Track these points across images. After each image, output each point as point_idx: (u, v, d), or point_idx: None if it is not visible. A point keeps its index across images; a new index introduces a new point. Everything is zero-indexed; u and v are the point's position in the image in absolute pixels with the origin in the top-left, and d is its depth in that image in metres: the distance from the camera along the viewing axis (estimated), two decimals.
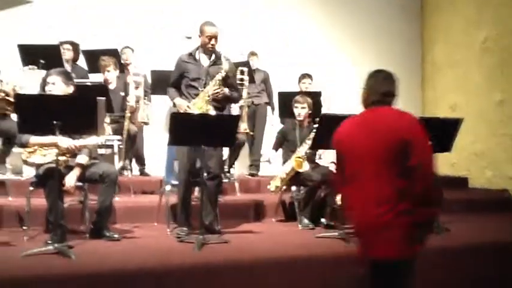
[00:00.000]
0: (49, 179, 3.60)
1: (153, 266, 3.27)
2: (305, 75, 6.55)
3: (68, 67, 5.62)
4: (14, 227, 4.26)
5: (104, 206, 3.88)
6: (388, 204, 2.39)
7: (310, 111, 5.03)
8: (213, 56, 4.25)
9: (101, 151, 4.58)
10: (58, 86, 3.83)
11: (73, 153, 3.77)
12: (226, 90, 4.23)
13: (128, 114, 5.35)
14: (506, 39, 6.90)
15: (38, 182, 3.77)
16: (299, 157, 4.79)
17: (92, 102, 3.56)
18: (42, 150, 3.72)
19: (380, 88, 2.54)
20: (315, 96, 5.53)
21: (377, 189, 2.41)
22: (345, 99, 6.98)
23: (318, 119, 4.54)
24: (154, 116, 6.16)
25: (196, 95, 4.19)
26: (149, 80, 6.11)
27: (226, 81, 4.27)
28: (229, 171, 5.85)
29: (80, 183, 3.92)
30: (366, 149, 2.45)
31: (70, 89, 3.90)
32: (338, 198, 4.48)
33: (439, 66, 8.19)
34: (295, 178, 4.82)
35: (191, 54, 4.28)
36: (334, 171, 3.02)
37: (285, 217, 5.15)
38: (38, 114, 3.42)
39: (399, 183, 2.38)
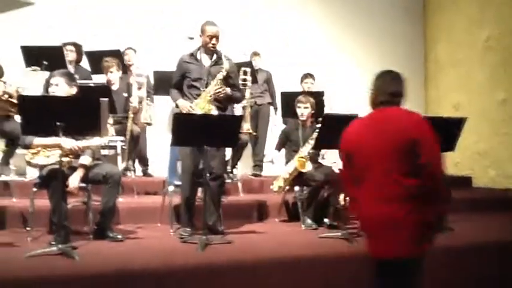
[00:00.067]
0: (52, 180, 3.61)
1: (156, 267, 3.27)
2: (307, 75, 6.55)
3: (71, 68, 5.64)
4: (18, 228, 4.27)
5: (107, 206, 3.89)
6: (397, 203, 2.41)
7: (313, 111, 5.03)
8: (215, 56, 4.25)
9: (104, 152, 4.58)
10: (61, 88, 3.84)
11: (76, 154, 3.78)
12: (228, 89, 4.23)
13: (130, 115, 5.36)
14: (508, 38, 6.89)
15: (42, 183, 3.78)
16: (302, 157, 4.79)
17: (95, 103, 3.56)
18: (45, 151, 3.73)
19: (388, 88, 2.56)
20: (318, 96, 5.52)
21: (386, 188, 2.44)
22: (347, 99, 7.03)
23: (320, 119, 4.54)
24: (157, 116, 6.17)
25: (198, 95, 4.19)
26: (152, 81, 6.12)
27: (228, 81, 4.27)
28: (232, 172, 5.86)
29: (84, 184, 3.92)
30: (375, 148, 2.47)
31: (73, 90, 3.91)
32: (341, 198, 4.50)
33: (441, 65, 8.18)
34: (298, 178, 4.82)
35: (192, 55, 4.27)
36: (340, 170, 3.05)
37: (288, 217, 5.15)
38: (42, 115, 3.42)
39: (408, 182, 2.40)
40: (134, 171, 5.99)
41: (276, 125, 6.63)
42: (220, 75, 4.16)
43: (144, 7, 7.12)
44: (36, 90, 5.23)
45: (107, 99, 4.11)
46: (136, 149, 5.69)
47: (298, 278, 3.47)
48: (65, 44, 5.80)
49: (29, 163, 3.80)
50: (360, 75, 7.93)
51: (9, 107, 4.90)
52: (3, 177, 5.16)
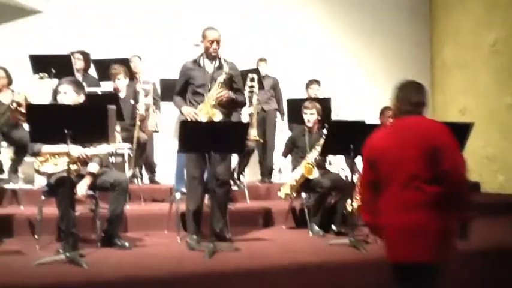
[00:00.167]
0: (60, 188, 3.63)
1: (164, 275, 3.27)
2: (313, 81, 6.55)
3: (79, 76, 5.68)
4: (26, 235, 4.29)
5: (115, 214, 3.90)
6: (420, 210, 2.46)
7: (319, 117, 5.03)
8: (217, 61, 4.24)
9: (111, 159, 4.60)
10: (69, 95, 3.87)
11: (84, 161, 3.80)
12: (230, 93, 4.21)
13: (138, 123, 5.38)
14: None
15: (50, 191, 3.80)
16: (309, 163, 4.78)
17: (102, 111, 3.58)
18: (53, 159, 3.75)
19: (411, 98, 2.62)
20: (324, 102, 5.52)
21: (409, 195, 2.49)
22: (348, 99, 7.07)
23: (327, 125, 4.54)
24: (164, 123, 6.19)
25: (203, 101, 4.19)
26: (158, 89, 6.15)
27: (232, 86, 4.26)
28: (239, 179, 5.86)
29: (91, 192, 3.94)
30: (398, 156, 2.52)
31: (81, 98, 3.94)
32: (348, 203, 4.48)
33: (448, 69, 8.15)
34: (305, 185, 4.81)
35: (195, 61, 4.28)
36: (360, 177, 3.12)
37: (295, 224, 5.14)
38: (50, 123, 3.44)
39: (431, 189, 2.45)
40: (141, 178, 6.01)
41: (282, 130, 6.64)
42: (220, 79, 4.15)
43: (152, 15, 7.17)
44: (44, 98, 5.27)
45: (114, 106, 4.14)
46: (143, 156, 5.71)
47: (306, 285, 3.45)
48: (73, 53, 5.84)
49: (37, 171, 3.82)
50: (362, 75, 7.96)
51: (18, 115, 4.93)
52: (12, 185, 5.19)
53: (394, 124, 2.72)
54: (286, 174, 5.18)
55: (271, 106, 6.66)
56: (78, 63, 5.87)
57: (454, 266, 2.68)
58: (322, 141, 4.60)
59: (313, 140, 4.94)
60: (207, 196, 4.39)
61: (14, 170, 5.30)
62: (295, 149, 5.07)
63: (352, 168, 4.40)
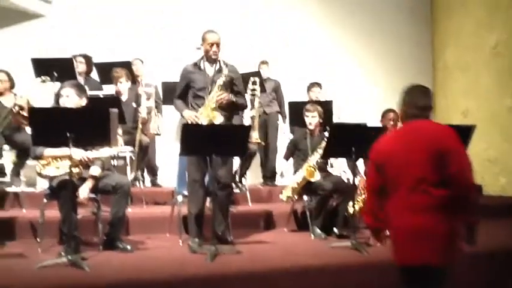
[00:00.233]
0: (62, 191, 3.63)
1: (166, 277, 3.28)
2: (314, 84, 6.56)
3: (81, 80, 5.69)
4: (28, 238, 4.30)
5: (116, 217, 3.90)
6: (428, 213, 2.48)
7: (320, 120, 5.03)
8: (218, 64, 4.24)
9: (113, 162, 4.61)
10: (72, 99, 3.88)
11: (86, 165, 3.81)
12: (230, 95, 4.21)
13: (139, 126, 5.39)
14: None
15: (52, 194, 3.81)
16: (310, 166, 4.78)
17: (104, 114, 3.59)
18: (55, 162, 3.76)
19: (418, 102, 2.65)
20: (326, 105, 5.53)
21: (417, 199, 2.50)
22: (348, 98, 7.07)
23: (328, 128, 4.54)
24: (166, 126, 6.20)
25: (203, 104, 4.20)
26: (160, 91, 6.16)
27: (231, 88, 4.26)
28: (240, 182, 5.86)
29: (93, 195, 3.95)
30: (406, 159, 2.54)
31: (83, 102, 3.95)
32: (350, 206, 4.48)
33: (450, 71, 8.14)
34: (306, 187, 4.81)
35: (196, 64, 4.28)
36: (366, 180, 3.17)
37: (297, 227, 5.14)
38: (52, 126, 3.46)
39: (438, 192, 2.47)
40: (143, 181, 6.01)
41: (284, 133, 6.64)
42: (220, 81, 4.14)
43: (152, 15, 7.20)
44: (46, 101, 5.28)
45: (116, 109, 4.15)
46: (145, 159, 5.72)
47: (308, 287, 3.45)
48: (75, 56, 5.86)
49: (39, 174, 3.83)
50: (363, 76, 7.96)
51: (20, 118, 4.95)
52: (14, 188, 5.20)
53: (401, 128, 2.74)
54: (288, 177, 5.17)
55: (273, 109, 6.66)
56: (80, 67, 5.89)
57: (461, 269, 2.70)
58: (323, 144, 4.60)
59: (314, 142, 4.94)
60: (208, 199, 4.39)
61: (16, 173, 5.31)
62: (296, 152, 5.07)
63: (354, 170, 4.40)
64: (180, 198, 4.49)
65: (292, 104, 6.07)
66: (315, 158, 4.82)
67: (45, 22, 6.95)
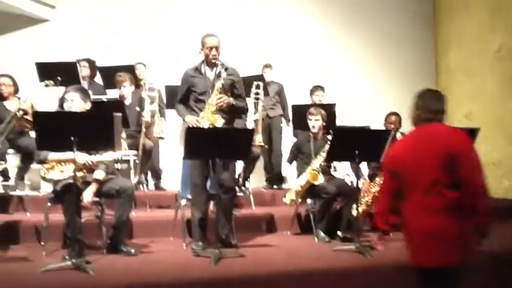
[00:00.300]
0: (67, 195, 3.64)
1: (170, 281, 3.28)
2: (317, 87, 6.56)
3: (85, 84, 5.72)
4: (32, 242, 4.31)
5: (120, 220, 3.91)
6: (442, 215, 2.53)
7: (324, 123, 5.03)
8: (218, 68, 4.24)
9: (117, 166, 4.62)
10: (76, 103, 3.90)
11: (90, 168, 3.82)
12: (230, 99, 4.20)
13: (143, 129, 5.41)
14: None
15: (56, 198, 3.82)
16: (314, 169, 4.78)
17: (108, 118, 3.60)
18: (60, 166, 3.77)
19: (431, 106, 2.69)
20: (329, 108, 5.53)
21: (431, 201, 2.55)
22: (348, 98, 7.06)
23: (331, 131, 4.54)
24: (169, 130, 6.21)
25: (204, 108, 4.20)
26: (163, 95, 6.17)
27: (232, 91, 4.26)
28: (244, 185, 5.86)
29: (97, 198, 3.96)
30: (420, 163, 2.59)
31: (87, 106, 3.97)
32: (353, 208, 4.48)
33: (453, 74, 8.12)
34: (310, 190, 4.81)
35: (197, 69, 4.28)
36: (382, 184, 3.23)
37: (301, 230, 5.13)
38: (56, 130, 3.47)
39: (452, 194, 2.52)
40: (147, 185, 6.03)
41: (287, 136, 6.64)
42: (219, 84, 4.14)
43: (153, 15, 7.24)
44: (51, 105, 5.31)
45: (120, 113, 4.16)
46: (148, 162, 5.73)
47: None
48: (79, 61, 5.88)
49: (43, 178, 3.84)
50: (365, 79, 7.96)
51: (24, 123, 4.96)
52: (18, 192, 5.22)
53: (413, 132, 2.79)
54: (292, 180, 5.17)
55: (276, 112, 6.67)
56: (84, 71, 5.91)
57: (474, 270, 2.72)
58: (327, 147, 4.60)
59: (318, 146, 4.94)
60: (212, 202, 4.39)
61: (20, 177, 5.32)
62: (300, 155, 5.07)
63: (358, 173, 4.40)
64: (183, 201, 4.49)
65: (295, 107, 6.07)
66: (318, 161, 4.82)
67: (49, 27, 7.00)
